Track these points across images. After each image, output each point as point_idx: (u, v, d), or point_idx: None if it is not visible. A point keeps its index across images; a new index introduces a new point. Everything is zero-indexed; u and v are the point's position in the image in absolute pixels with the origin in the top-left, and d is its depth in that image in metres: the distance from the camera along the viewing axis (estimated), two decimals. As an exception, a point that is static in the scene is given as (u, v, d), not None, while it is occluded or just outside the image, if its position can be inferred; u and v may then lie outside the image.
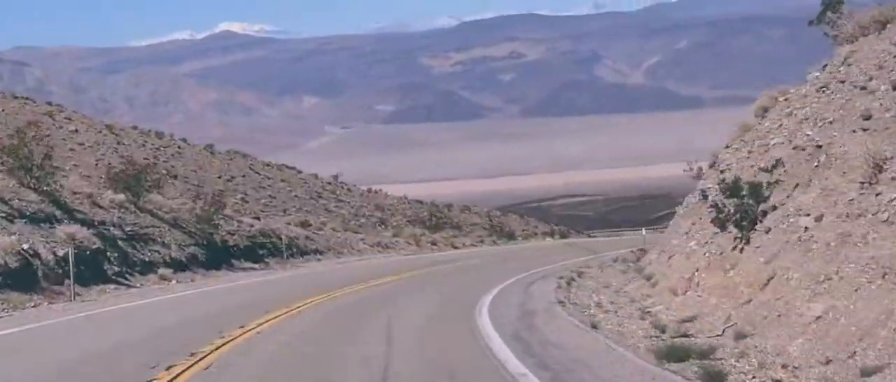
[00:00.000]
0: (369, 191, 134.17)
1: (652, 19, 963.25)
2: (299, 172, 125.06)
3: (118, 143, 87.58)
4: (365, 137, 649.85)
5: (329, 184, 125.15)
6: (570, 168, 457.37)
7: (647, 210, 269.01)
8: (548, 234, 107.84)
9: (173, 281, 41.27)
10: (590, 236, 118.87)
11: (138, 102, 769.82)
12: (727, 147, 38.68)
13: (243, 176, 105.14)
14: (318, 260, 57.89)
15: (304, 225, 65.15)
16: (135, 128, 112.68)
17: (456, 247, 74.55)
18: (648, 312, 24.92)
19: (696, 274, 25.51)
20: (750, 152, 31.94)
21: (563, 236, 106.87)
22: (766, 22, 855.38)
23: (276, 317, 25.30)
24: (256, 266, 51.35)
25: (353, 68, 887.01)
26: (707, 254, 26.11)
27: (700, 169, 52.34)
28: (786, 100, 33.66)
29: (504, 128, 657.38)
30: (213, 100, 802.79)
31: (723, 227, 25.62)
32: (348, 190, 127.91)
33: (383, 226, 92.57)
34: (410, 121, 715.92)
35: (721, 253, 24.90)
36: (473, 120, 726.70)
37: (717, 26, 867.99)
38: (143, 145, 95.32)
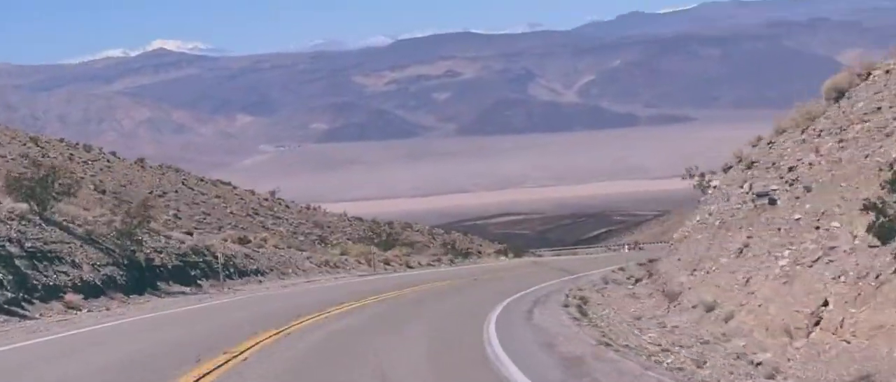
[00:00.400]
0: (308, 207, 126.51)
1: (586, 38, 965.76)
2: (235, 188, 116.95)
3: (43, 156, 79.11)
4: (299, 156, 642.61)
5: (266, 200, 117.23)
6: (506, 186, 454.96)
7: (582, 228, 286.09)
8: (501, 253, 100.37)
9: (83, 311, 32.39)
10: (557, 254, 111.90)
11: (71, 120, 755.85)
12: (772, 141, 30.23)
13: (176, 191, 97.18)
14: (260, 281, 49.51)
15: (243, 241, 56.57)
16: (61, 140, 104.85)
17: (411, 267, 67.15)
18: (758, 363, 17.02)
19: (828, 307, 17.33)
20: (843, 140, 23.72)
21: (518, 254, 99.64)
22: (699, 41, 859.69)
23: (212, 372, 16.91)
24: (187, 289, 42.63)
25: (287, 87, 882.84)
26: (845, 279, 17.52)
27: (702, 175, 45.68)
28: (887, 72, 25.49)
29: (439, 146, 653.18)
30: (146, 118, 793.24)
31: (886, 238, 17.24)
32: (286, 206, 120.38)
33: (324, 244, 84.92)
34: (344, 140, 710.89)
35: (877, 278, 16.55)
36: (408, 138, 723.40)
37: (651, 45, 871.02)
38: (70, 158, 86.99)
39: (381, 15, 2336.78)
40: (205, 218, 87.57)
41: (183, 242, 47.31)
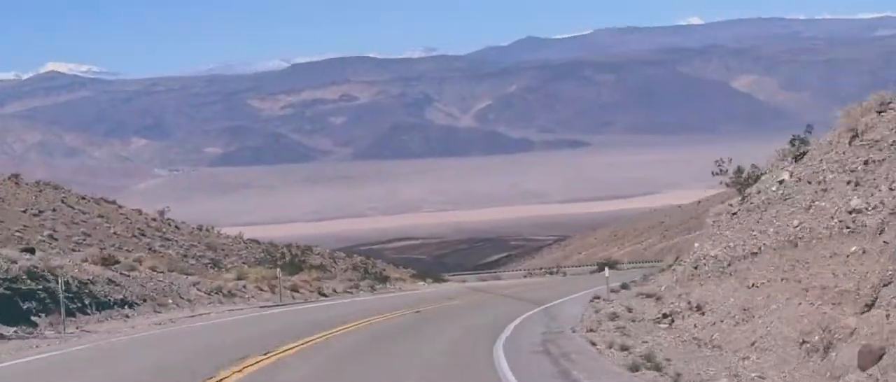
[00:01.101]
0: (200, 228, 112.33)
1: (482, 63, 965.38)
2: (120, 207, 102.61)
3: None
4: (193, 179, 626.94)
5: (154, 220, 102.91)
6: (403, 211, 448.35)
7: (479, 253, 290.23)
8: (418, 278, 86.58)
9: None
10: (481, 279, 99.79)
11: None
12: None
13: (54, 209, 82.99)
14: (127, 316, 35.40)
15: (108, 262, 42.24)
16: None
17: (325, 294, 53.91)
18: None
19: None
20: None
21: (438, 279, 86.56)
22: (594, 67, 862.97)
23: None
24: (13, 330, 29.00)
25: (182, 110, 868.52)
26: None
27: (739, 171, 33.84)
28: None
29: (335, 170, 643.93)
30: (37, 141, 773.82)
31: None
32: (176, 227, 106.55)
33: (217, 268, 71.20)
34: (240, 164, 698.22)
35: None
36: (304, 162, 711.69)
37: (546, 70, 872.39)
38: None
39: (277, 38, 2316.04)
40: (84, 240, 74.33)
41: (14, 262, 33.18)
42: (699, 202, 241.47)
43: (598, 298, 37.82)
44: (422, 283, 75.12)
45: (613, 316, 30.48)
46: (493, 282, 76.37)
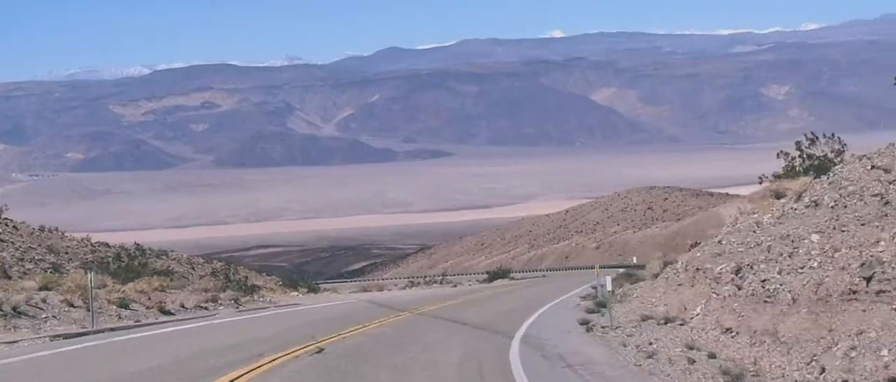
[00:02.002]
0: (42, 230, 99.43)
1: (345, 73, 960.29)
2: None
3: None
4: (53, 185, 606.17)
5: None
6: (264, 219, 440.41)
7: (341, 261, 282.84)
8: (288, 287, 72.93)
9: None
10: (364, 289, 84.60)
11: None
12: None
13: None
14: None
15: None
16: None
17: (168, 312, 35.89)
18: None
19: None
20: None
21: (313, 289, 71.51)
22: (457, 78, 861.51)
23: None
24: None
25: (42, 115, 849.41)
26: None
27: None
28: None
29: (196, 178, 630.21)
30: None
31: None
32: (14, 228, 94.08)
33: (58, 273, 58.44)
34: (100, 170, 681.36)
35: None
36: (165, 169, 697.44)
37: (409, 80, 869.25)
38: None
39: (139, 45, 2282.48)
40: None
41: None
42: (567, 211, 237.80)
43: (604, 328, 26.25)
44: (295, 294, 61.62)
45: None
46: (395, 295, 58.38)
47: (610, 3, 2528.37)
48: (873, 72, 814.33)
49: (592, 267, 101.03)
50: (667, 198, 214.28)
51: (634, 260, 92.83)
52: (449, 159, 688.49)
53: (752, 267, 20.74)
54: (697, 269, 26.04)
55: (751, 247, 23.14)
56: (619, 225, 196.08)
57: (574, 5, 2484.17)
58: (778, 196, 29.71)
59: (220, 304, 41.87)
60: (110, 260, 59.96)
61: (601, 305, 32.54)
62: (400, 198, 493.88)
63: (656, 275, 35.80)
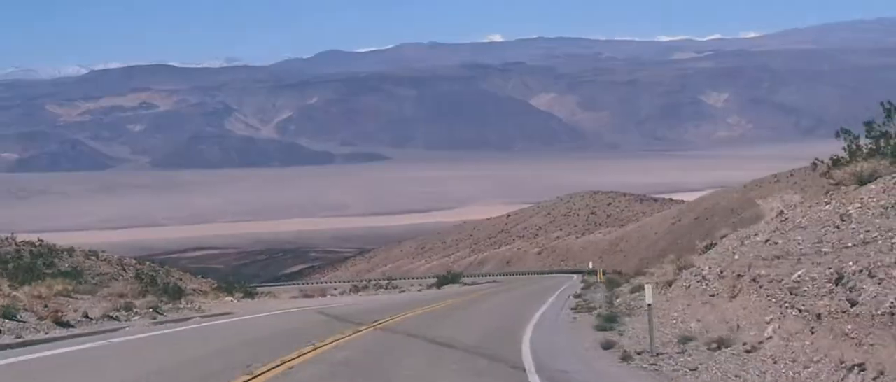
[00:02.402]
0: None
1: (284, 75, 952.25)
2: None
3: None
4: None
5: None
6: (201, 221, 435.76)
7: (279, 264, 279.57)
8: (221, 290, 65.46)
9: None
10: (306, 294, 77.03)
11: None
12: None
13: None
14: None
15: None
16: None
17: (66, 324, 23.94)
18: None
19: None
20: None
21: (249, 294, 63.45)
22: (395, 81, 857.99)
23: None
24: None
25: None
26: None
27: None
28: None
29: (133, 179, 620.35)
30: None
31: None
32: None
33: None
34: (36, 170, 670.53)
35: None
36: (101, 170, 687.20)
37: (348, 83, 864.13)
38: None
39: (76, 44, 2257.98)
40: None
41: None
42: (508, 216, 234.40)
43: (642, 354, 20.62)
44: (229, 299, 54.02)
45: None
46: (344, 303, 46.54)
47: (549, 8, 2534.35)
48: (812, 80, 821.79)
49: (545, 272, 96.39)
50: (610, 204, 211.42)
51: (590, 265, 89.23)
52: (387, 163, 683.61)
53: (871, 275, 14.42)
54: (739, 275, 21.19)
55: (846, 248, 17.47)
56: (561, 230, 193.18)
57: (513, 10, 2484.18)
58: (862, 181, 24.51)
59: (136, 313, 33.85)
60: (9, 258, 53.97)
61: (611, 320, 28.09)
62: (338, 202, 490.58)
63: (670, 283, 30.71)
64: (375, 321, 29.23)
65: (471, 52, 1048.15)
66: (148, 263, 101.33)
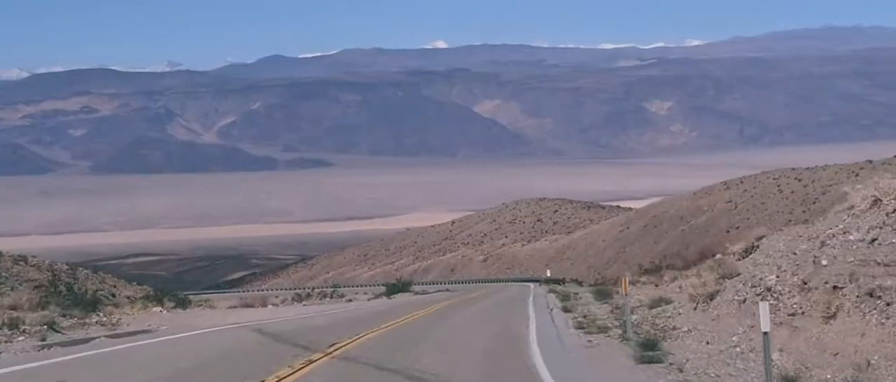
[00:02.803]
0: None
1: (227, 80, 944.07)
2: None
3: None
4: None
5: None
6: (143, 227, 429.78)
7: (220, 271, 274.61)
8: (150, 300, 58.46)
9: None
10: (243, 301, 67.99)
11: None
12: None
13: None
14: None
15: None
16: None
17: None
18: None
19: None
20: None
21: (183, 304, 55.81)
22: (339, 87, 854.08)
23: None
24: None
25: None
26: None
27: None
28: None
29: (74, 183, 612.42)
30: None
31: None
32: None
33: None
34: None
35: None
36: (42, 174, 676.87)
37: (292, 89, 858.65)
38: None
39: (17, 47, 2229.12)
40: None
41: None
42: (453, 223, 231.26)
43: None
44: (158, 310, 45.89)
45: None
46: (286, 317, 36.80)
47: (494, 15, 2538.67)
48: (756, 88, 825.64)
49: (496, 280, 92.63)
50: (556, 211, 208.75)
51: (548, 274, 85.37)
52: (330, 169, 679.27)
53: None
54: (836, 287, 16.47)
55: None
56: (507, 237, 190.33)
57: (458, 16, 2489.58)
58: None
59: (23, 331, 26.02)
60: None
61: (650, 347, 19.92)
62: (280, 208, 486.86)
63: (711, 295, 23.38)
64: (332, 345, 21.26)
65: (415, 58, 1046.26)
66: (81, 269, 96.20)
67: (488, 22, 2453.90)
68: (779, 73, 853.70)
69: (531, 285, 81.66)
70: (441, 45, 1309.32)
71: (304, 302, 62.51)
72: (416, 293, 70.49)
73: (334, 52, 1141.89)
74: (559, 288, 62.89)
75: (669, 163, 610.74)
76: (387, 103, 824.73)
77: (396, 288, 71.77)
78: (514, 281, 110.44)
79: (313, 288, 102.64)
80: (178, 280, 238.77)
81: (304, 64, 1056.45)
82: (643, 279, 45.13)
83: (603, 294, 39.96)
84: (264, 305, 55.89)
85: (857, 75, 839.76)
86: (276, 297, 76.04)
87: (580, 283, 77.00)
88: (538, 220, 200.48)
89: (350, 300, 64.77)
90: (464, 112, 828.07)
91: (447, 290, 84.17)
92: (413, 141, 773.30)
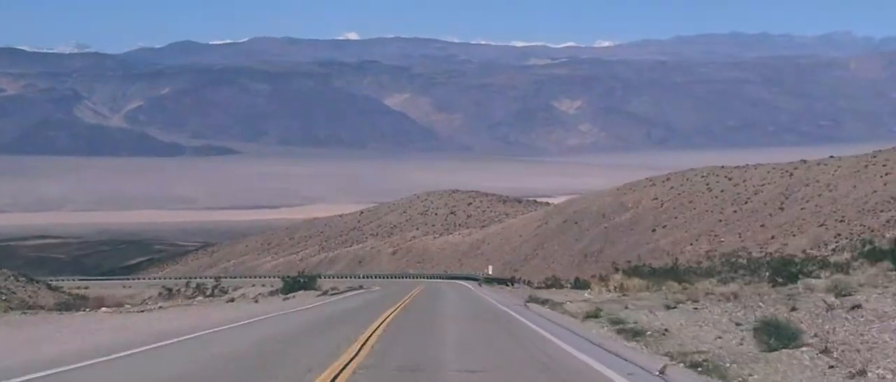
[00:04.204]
0: None
1: (136, 63, 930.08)
2: None
3: None
4: None
5: None
6: (45, 209, 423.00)
7: (122, 256, 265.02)
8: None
9: None
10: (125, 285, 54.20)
11: None
12: None
13: None
14: None
15: None
16: None
17: None
18: None
19: None
20: None
21: (61, 295, 43.84)
22: (250, 75, 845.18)
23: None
24: None
25: None
26: None
27: None
28: None
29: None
30: None
31: None
32: None
33: None
34: None
35: None
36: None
37: (202, 75, 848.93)
38: None
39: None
40: None
41: None
42: (361, 213, 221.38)
43: None
44: None
45: None
46: (128, 339, 21.95)
47: (406, 8, 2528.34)
48: (664, 91, 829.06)
49: (419, 276, 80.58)
50: (470, 204, 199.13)
51: (489, 271, 74.34)
52: (237, 157, 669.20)
53: None
54: None
55: None
56: (418, 229, 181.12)
57: (370, 8, 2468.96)
58: None
59: None
60: None
61: None
62: (185, 194, 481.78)
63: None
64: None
65: (327, 48, 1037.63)
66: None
67: (400, 15, 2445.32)
68: (687, 77, 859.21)
69: (469, 285, 69.16)
70: (353, 36, 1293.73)
71: (170, 302, 46.05)
72: (325, 292, 52.33)
73: (245, 39, 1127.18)
74: (522, 291, 50.26)
75: (578, 162, 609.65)
76: (297, 93, 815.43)
77: (297, 283, 55.67)
78: (442, 278, 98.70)
79: (193, 279, 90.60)
80: (78, 263, 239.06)
81: (214, 50, 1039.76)
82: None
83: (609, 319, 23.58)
84: (102, 306, 41.34)
85: (765, 81, 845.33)
86: (138, 288, 62.71)
87: (529, 283, 66.24)
88: (451, 213, 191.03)
89: (232, 299, 48.55)
90: (374, 104, 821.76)
91: (361, 288, 66.50)
92: (323, 132, 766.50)
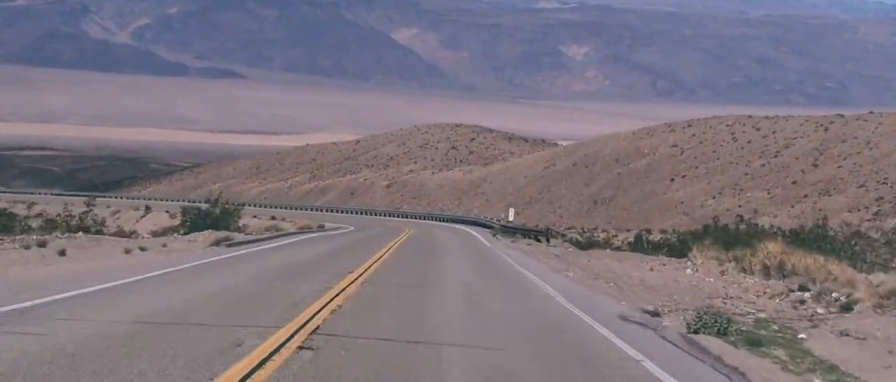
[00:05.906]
0: None
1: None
2: None
3: None
4: None
5: None
6: (45, 120, 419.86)
7: (115, 172, 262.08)
8: None
9: None
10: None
11: None
12: None
13: None
14: None
15: None
16: None
17: None
18: None
19: None
20: None
21: None
22: (258, 0, 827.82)
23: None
24: None
25: None
26: None
27: None
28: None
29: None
30: None
31: None
32: None
33: None
34: None
35: None
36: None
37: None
38: None
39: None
40: None
41: None
42: (358, 142, 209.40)
43: None
44: None
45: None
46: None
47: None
48: (672, 42, 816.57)
49: (412, 216, 66.84)
50: (473, 139, 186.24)
51: (510, 217, 59.96)
52: (241, 81, 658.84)
53: None
54: None
55: None
56: (416, 163, 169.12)
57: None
58: None
59: None
60: None
61: None
62: (187, 115, 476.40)
63: None
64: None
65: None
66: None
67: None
68: (695, 30, 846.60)
69: (478, 234, 50.73)
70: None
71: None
72: (285, 230, 34.49)
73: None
74: (568, 253, 34.63)
75: (582, 107, 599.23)
76: (304, 21, 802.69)
77: (210, 218, 37.78)
78: (441, 220, 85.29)
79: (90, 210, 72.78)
80: (70, 177, 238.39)
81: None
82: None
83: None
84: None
85: (772, 40, 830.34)
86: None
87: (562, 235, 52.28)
88: (453, 148, 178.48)
89: (144, 247, 28.69)
90: (381, 37, 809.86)
91: (337, 228, 49.76)
92: (327, 61, 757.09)
